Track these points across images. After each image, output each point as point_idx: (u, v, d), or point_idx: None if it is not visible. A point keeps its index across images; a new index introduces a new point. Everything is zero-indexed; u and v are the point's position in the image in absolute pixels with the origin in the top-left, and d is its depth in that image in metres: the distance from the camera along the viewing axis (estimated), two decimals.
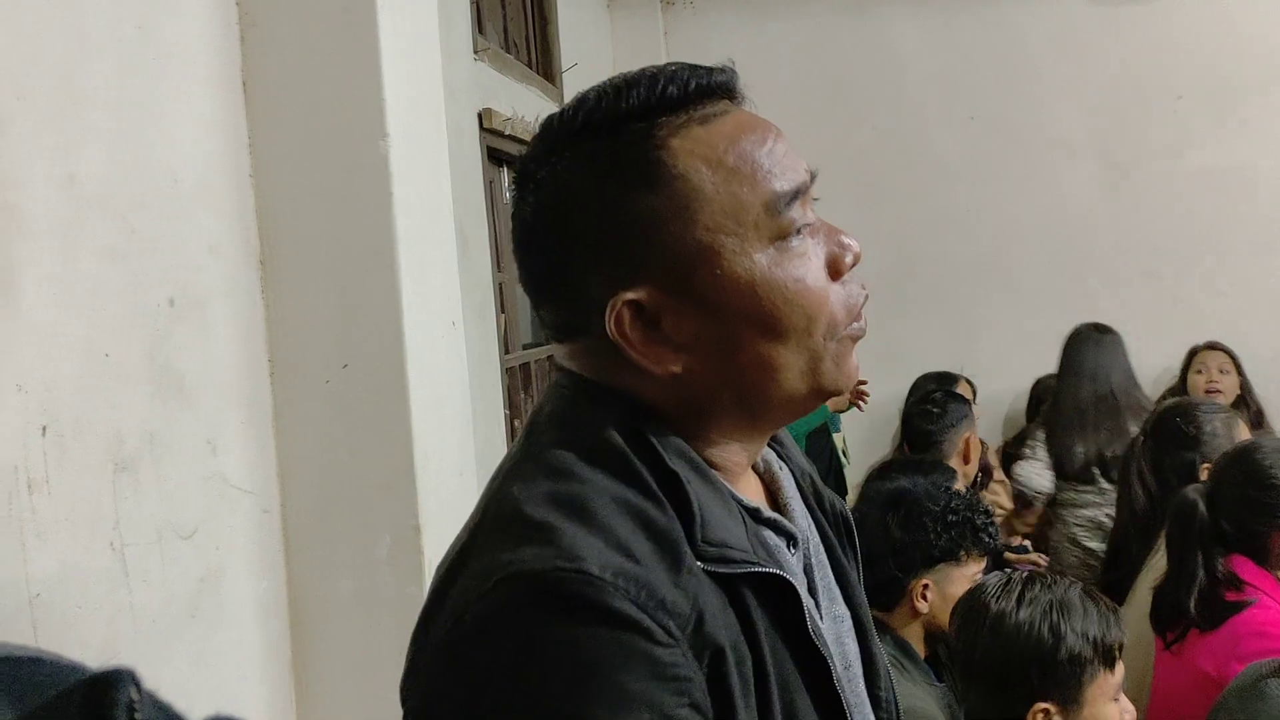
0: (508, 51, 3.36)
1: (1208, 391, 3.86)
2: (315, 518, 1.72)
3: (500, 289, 3.08)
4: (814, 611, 0.83)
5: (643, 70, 0.83)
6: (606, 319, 0.80)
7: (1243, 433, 2.58)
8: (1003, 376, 4.51)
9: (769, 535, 0.85)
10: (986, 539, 2.06)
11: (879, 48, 4.61)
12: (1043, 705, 1.53)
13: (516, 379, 3.24)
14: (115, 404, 1.37)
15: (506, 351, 3.10)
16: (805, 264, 0.81)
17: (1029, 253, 4.59)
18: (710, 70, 0.84)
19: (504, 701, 0.68)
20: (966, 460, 3.21)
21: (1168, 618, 2.13)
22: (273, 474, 1.72)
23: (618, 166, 0.80)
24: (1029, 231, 4.58)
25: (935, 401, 3.31)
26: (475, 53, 2.87)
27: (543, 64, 3.74)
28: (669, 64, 0.84)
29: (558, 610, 0.69)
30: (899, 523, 2.04)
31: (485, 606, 0.70)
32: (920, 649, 2.05)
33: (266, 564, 1.69)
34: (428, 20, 1.92)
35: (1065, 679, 1.54)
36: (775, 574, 0.78)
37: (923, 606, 2.00)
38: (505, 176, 3.32)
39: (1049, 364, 4.01)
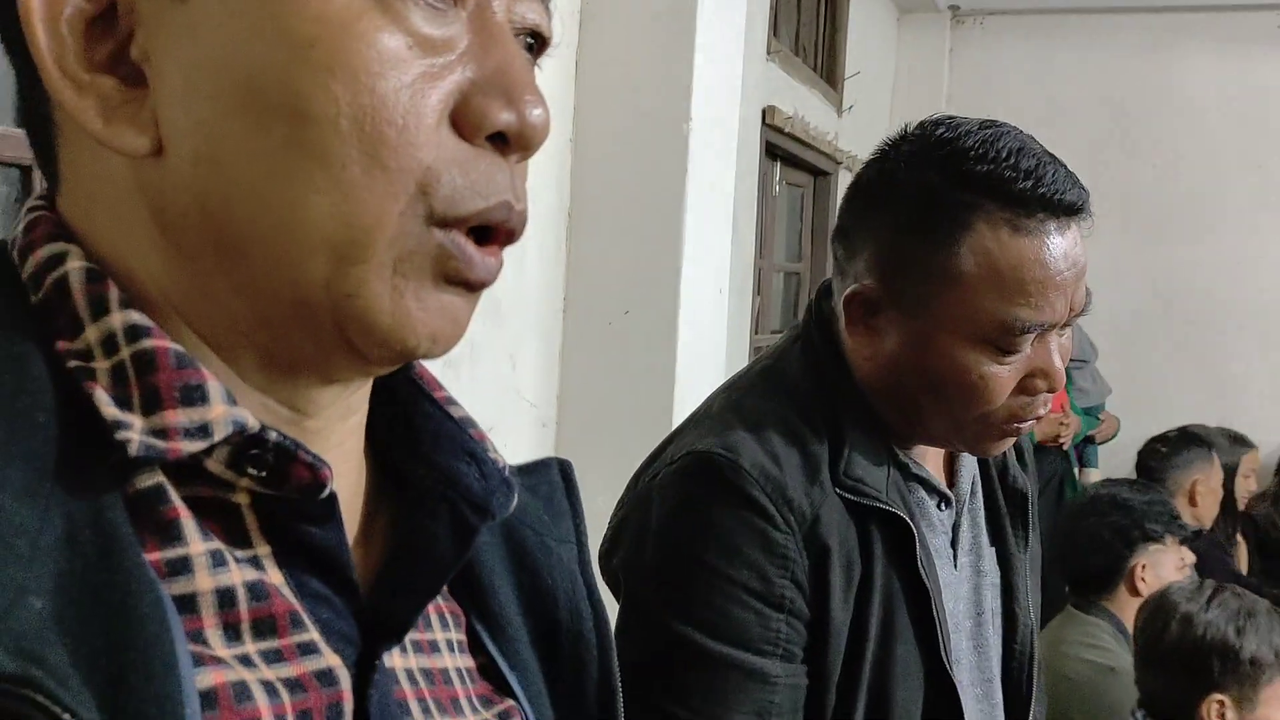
0: (796, 54, 3.60)
1: None
2: (584, 437, 2.02)
3: (759, 274, 3.32)
4: (934, 554, 1.01)
5: (1013, 148, 0.92)
6: (848, 289, 0.98)
7: None
8: (1257, 430, 4.40)
9: (918, 489, 1.03)
10: (1181, 527, 2.27)
11: (1169, 84, 4.57)
12: (1219, 696, 1.66)
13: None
14: None
15: (756, 331, 3.34)
16: (999, 370, 0.93)
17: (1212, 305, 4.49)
18: (1067, 190, 0.91)
19: (661, 532, 0.94)
20: (1193, 503, 3.23)
21: None
22: (554, 395, 2.03)
23: (933, 210, 0.93)
24: (1218, 285, 4.48)
25: (1167, 440, 3.35)
26: (768, 53, 3.12)
27: (827, 69, 3.95)
28: (1040, 160, 0.92)
29: (709, 484, 0.92)
30: (1106, 511, 2.24)
31: (669, 473, 0.96)
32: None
33: None
34: (736, 21, 2.18)
35: (1244, 677, 1.66)
36: (896, 514, 0.96)
37: (1142, 587, 2.15)
38: (778, 170, 3.56)
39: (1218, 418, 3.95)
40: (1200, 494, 3.25)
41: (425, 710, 0.50)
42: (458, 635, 0.54)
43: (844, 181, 4.06)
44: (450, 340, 0.46)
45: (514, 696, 0.55)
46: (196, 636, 0.42)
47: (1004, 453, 1.12)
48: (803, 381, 1.00)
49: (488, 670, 0.55)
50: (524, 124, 0.45)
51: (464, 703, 0.52)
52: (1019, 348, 0.93)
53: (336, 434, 0.50)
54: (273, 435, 0.44)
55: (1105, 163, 4.50)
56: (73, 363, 0.43)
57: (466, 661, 0.54)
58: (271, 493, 0.45)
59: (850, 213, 1.02)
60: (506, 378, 1.88)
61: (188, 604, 0.42)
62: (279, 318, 0.45)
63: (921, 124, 0.99)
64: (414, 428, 0.53)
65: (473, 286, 0.46)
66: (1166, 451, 3.26)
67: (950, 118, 0.98)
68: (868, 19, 4.26)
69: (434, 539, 0.50)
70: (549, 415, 2.01)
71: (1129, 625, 2.18)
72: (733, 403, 1.00)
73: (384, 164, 0.43)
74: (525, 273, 1.91)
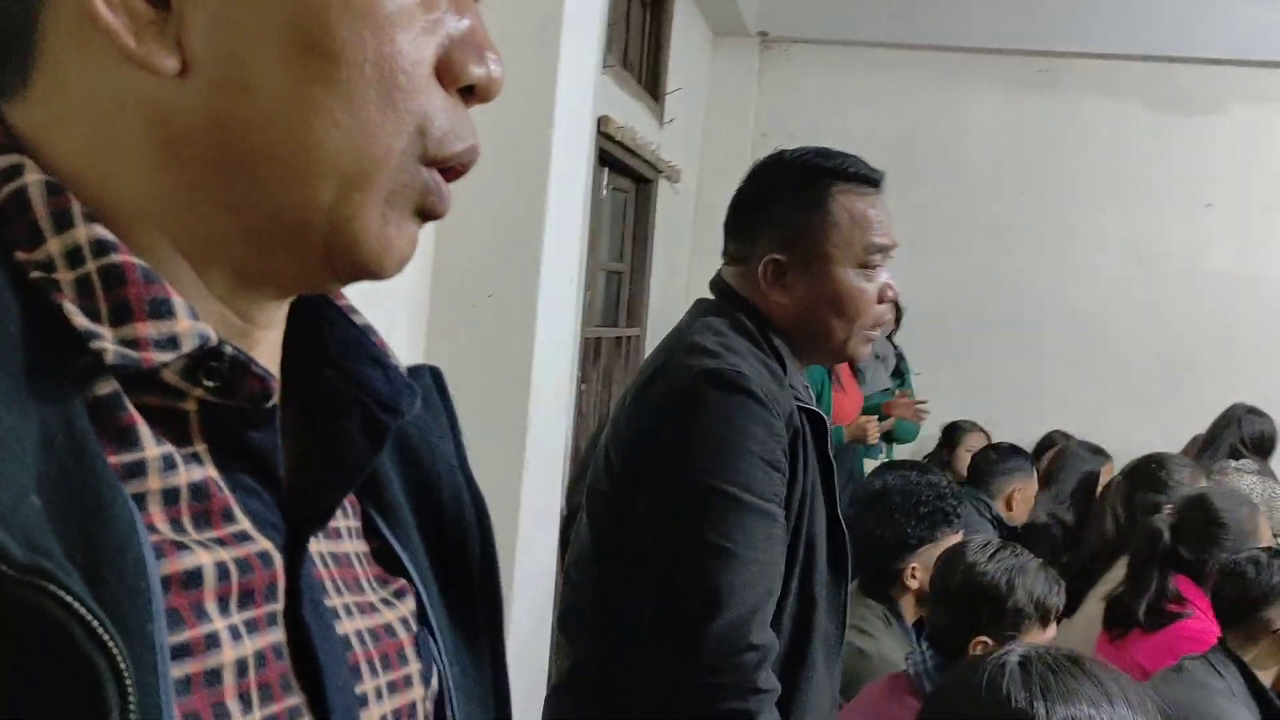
0: (626, 69, 3.86)
1: None
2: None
3: (587, 270, 3.55)
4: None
5: (840, 151, 1.52)
6: (760, 262, 1.46)
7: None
8: (1014, 428, 4.93)
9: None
10: (957, 519, 2.53)
11: (950, 115, 5.08)
12: (983, 638, 1.98)
13: (590, 350, 3.71)
14: None
15: (585, 324, 3.57)
16: (869, 285, 1.47)
17: (1054, 323, 5.03)
18: (873, 170, 1.50)
19: (698, 426, 1.33)
20: (1010, 508, 3.65)
21: (1118, 618, 2.59)
22: None
23: (806, 191, 1.47)
24: (1056, 304, 5.02)
25: (999, 448, 3.79)
26: (605, 66, 3.36)
27: (651, 84, 4.23)
28: (852, 156, 1.52)
29: (727, 387, 1.34)
30: (876, 520, 2.46)
31: (690, 384, 1.35)
32: (912, 615, 2.51)
33: None
34: (593, 37, 2.40)
35: (1006, 624, 1.99)
36: (818, 412, 1.45)
37: (913, 584, 2.46)
38: (606, 176, 3.81)
39: (1057, 421, 4.47)
40: (1016, 501, 3.67)
41: (337, 590, 0.54)
42: (355, 523, 0.58)
43: (663, 189, 4.35)
44: (406, 264, 0.52)
45: (406, 576, 0.59)
46: (150, 529, 0.45)
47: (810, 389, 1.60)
48: (747, 328, 1.44)
49: (380, 554, 0.58)
50: (491, 79, 0.52)
51: (364, 583, 0.56)
52: (877, 264, 1.46)
53: (268, 342, 0.54)
54: (229, 349, 0.48)
55: (891, 182, 4.94)
56: (35, 274, 0.45)
57: (362, 546, 0.57)
58: (220, 401, 0.49)
59: (743, 216, 1.52)
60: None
61: (139, 501, 0.45)
62: (269, 234, 0.49)
63: (778, 152, 1.55)
64: (321, 335, 0.56)
65: (435, 218, 0.52)
66: (996, 459, 3.70)
67: (797, 148, 1.54)
68: (687, 39, 4.56)
69: (349, 436, 0.54)
70: None
71: (905, 611, 2.50)
72: (709, 340, 1.40)
73: (395, 105, 0.48)
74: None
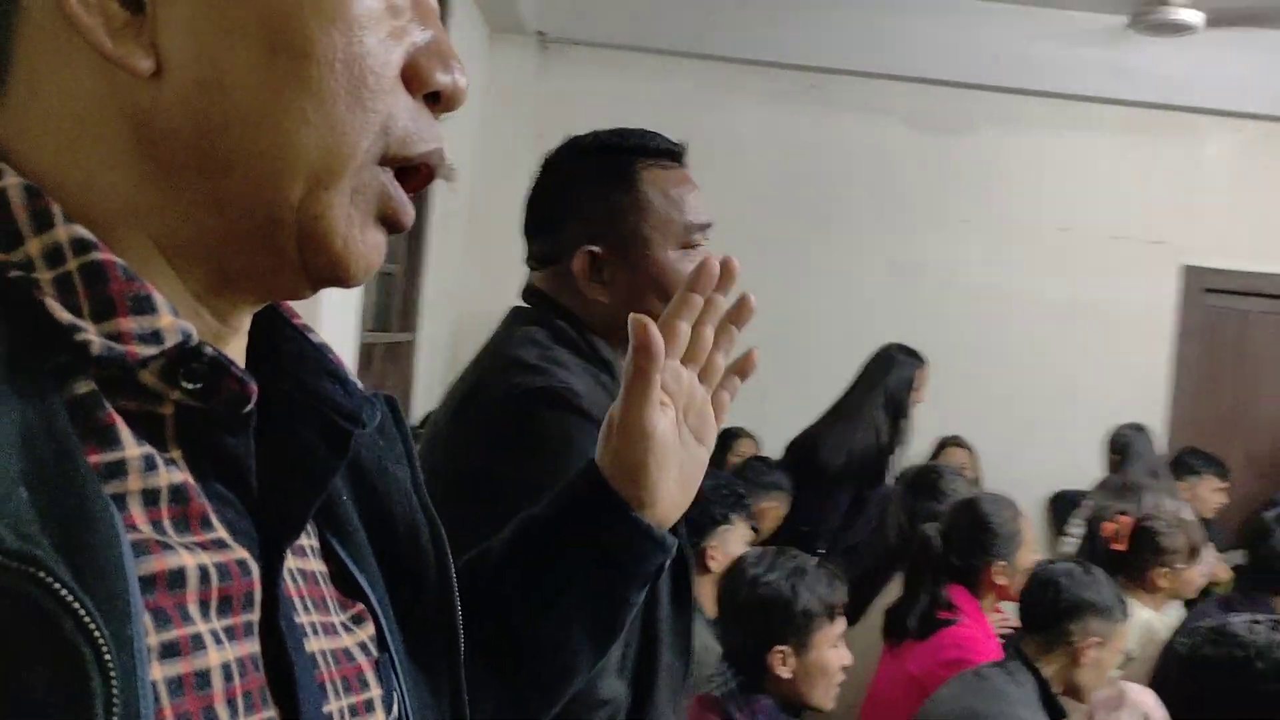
0: None
1: None
2: None
3: None
4: None
5: (639, 128, 1.38)
6: (573, 258, 1.31)
7: None
8: (784, 435, 5.04)
9: None
10: (745, 506, 2.67)
11: (724, 124, 5.14)
12: (781, 647, 1.97)
13: (363, 356, 3.50)
14: None
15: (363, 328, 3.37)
16: (692, 266, 1.30)
17: (820, 330, 5.18)
18: (675, 143, 1.38)
19: (533, 449, 1.19)
20: (757, 521, 3.67)
21: (895, 628, 2.64)
22: None
23: (611, 174, 1.33)
24: (822, 314, 5.18)
25: (767, 461, 3.84)
26: None
27: None
28: (651, 131, 1.38)
29: (560, 406, 1.21)
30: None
31: (518, 404, 1.21)
32: (711, 608, 2.49)
33: None
34: None
35: (799, 627, 1.99)
36: None
37: (713, 565, 2.45)
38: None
39: None
40: (767, 516, 3.71)
41: (305, 607, 0.54)
42: (315, 543, 0.58)
43: (438, 187, 4.18)
44: (372, 272, 0.54)
45: (363, 600, 0.59)
46: (131, 529, 0.45)
47: None
48: (570, 339, 1.32)
49: (337, 577, 0.59)
50: (456, 87, 0.54)
51: (329, 603, 0.57)
52: (699, 243, 1.36)
53: (238, 347, 0.55)
54: (209, 350, 0.48)
55: None
56: (14, 273, 0.45)
57: (323, 567, 0.58)
58: (198, 404, 0.48)
59: (542, 212, 1.38)
60: None
61: (119, 501, 0.45)
62: (246, 233, 0.50)
63: (570, 140, 1.40)
64: (276, 349, 0.57)
65: (398, 228, 0.54)
66: (762, 471, 3.75)
67: (589, 132, 1.40)
68: (462, 34, 4.41)
69: (312, 445, 0.54)
70: None
71: (703, 601, 2.49)
72: (530, 354, 1.28)
73: (364, 104, 0.50)
74: None
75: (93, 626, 0.39)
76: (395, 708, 0.58)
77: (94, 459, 0.45)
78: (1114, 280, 5.17)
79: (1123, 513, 3.76)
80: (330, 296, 2.10)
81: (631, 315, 0.75)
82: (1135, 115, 5.08)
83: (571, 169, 1.36)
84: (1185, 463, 4.58)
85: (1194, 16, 3.78)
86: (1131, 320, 5.19)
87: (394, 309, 4.06)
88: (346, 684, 0.55)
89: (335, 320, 2.11)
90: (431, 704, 0.62)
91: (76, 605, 0.39)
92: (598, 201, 1.32)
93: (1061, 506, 4.98)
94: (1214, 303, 5.25)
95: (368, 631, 0.58)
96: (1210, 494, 4.53)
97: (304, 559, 0.56)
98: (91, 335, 0.45)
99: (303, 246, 0.50)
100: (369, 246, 0.52)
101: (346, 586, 0.59)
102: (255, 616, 0.50)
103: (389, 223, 0.53)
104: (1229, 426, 5.28)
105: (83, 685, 0.39)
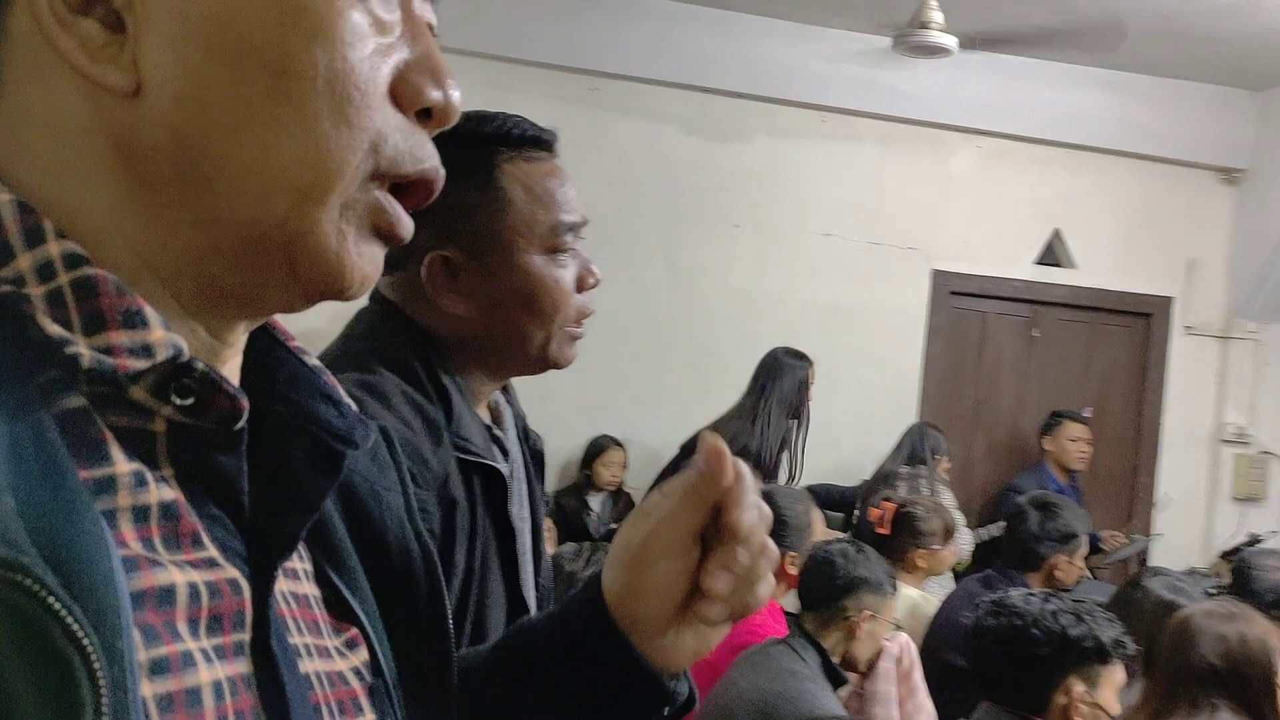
0: None
1: None
2: None
3: None
4: (510, 499, 1.22)
5: (500, 112, 1.22)
6: (422, 263, 1.14)
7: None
8: (566, 433, 5.12)
9: (493, 447, 1.23)
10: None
11: None
12: None
13: None
14: None
15: None
16: (564, 272, 1.19)
17: (601, 328, 5.28)
18: (543, 130, 1.22)
19: None
20: None
21: None
22: None
23: (466, 167, 1.12)
24: (603, 311, 5.24)
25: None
26: None
27: None
28: (516, 116, 1.22)
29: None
30: None
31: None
32: None
33: None
34: None
35: None
36: (496, 467, 1.17)
37: None
38: None
39: (605, 426, 4.72)
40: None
41: (298, 629, 0.54)
42: (308, 566, 0.57)
43: None
44: (371, 284, 0.53)
45: (357, 624, 0.58)
46: (121, 545, 0.45)
47: (520, 417, 1.36)
48: (402, 359, 1.14)
49: (329, 602, 0.58)
50: (449, 103, 0.54)
51: (323, 626, 0.56)
52: (569, 246, 1.19)
53: (233, 365, 0.54)
54: (200, 365, 0.48)
55: None
56: (5, 288, 0.45)
57: (315, 590, 0.57)
58: (190, 421, 0.48)
59: None
60: None
61: (109, 517, 0.45)
62: (232, 248, 0.50)
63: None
64: (270, 371, 0.56)
65: (394, 241, 0.53)
66: None
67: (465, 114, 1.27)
68: None
69: (303, 466, 0.54)
70: None
71: None
72: (349, 380, 1.08)
73: (349, 121, 0.49)
74: None
75: (82, 635, 0.39)
76: None
77: (84, 474, 0.44)
78: (872, 283, 5.53)
79: (886, 499, 4.05)
80: None
81: (706, 435, 0.66)
82: (892, 129, 5.46)
83: None
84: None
85: (950, 40, 4.12)
86: (888, 320, 5.57)
87: None
88: (342, 708, 0.54)
89: None
90: None
91: (65, 614, 0.38)
92: (450, 198, 1.17)
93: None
94: (958, 305, 5.71)
95: (361, 657, 0.58)
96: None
97: (296, 581, 0.55)
98: (82, 349, 0.45)
99: (293, 261, 0.50)
100: (364, 259, 0.52)
101: (339, 611, 0.58)
102: (246, 636, 0.49)
103: (384, 235, 0.53)
104: (971, 418, 5.74)
105: (72, 695, 0.38)
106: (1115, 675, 2.05)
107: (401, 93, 0.52)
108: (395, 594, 0.61)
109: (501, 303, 1.17)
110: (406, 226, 0.53)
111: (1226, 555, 4.73)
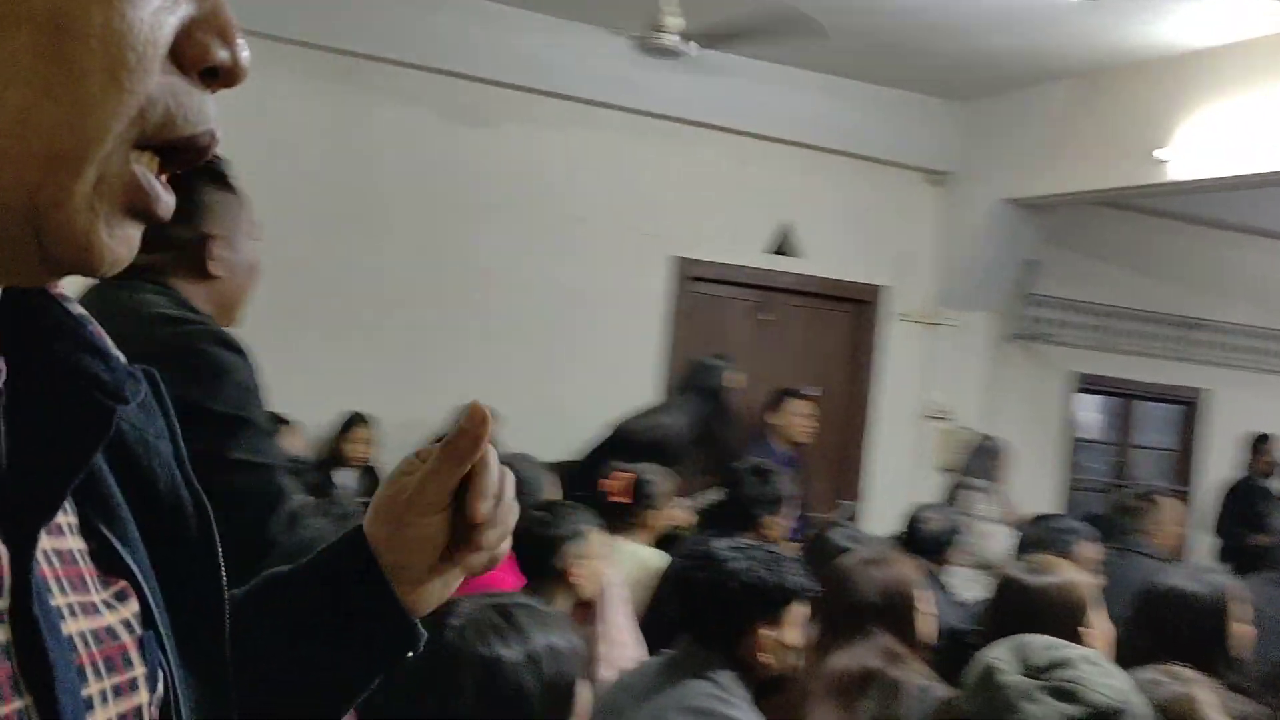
0: None
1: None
2: None
3: None
4: None
5: None
6: (206, 243, 1.61)
7: None
8: (312, 409, 5.14)
9: None
10: None
11: (261, 103, 5.06)
12: None
13: None
14: None
15: None
16: (256, 255, 1.71)
17: (352, 309, 5.35)
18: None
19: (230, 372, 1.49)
20: None
21: None
22: None
23: (216, 174, 1.67)
24: (355, 292, 5.34)
25: None
26: None
27: None
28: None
29: (229, 344, 1.51)
30: None
31: (200, 345, 1.47)
32: None
33: None
34: None
35: None
36: None
37: None
38: None
39: (353, 404, 4.91)
40: None
41: (61, 589, 0.51)
42: (74, 519, 0.55)
43: None
44: (123, 264, 0.50)
45: (128, 576, 0.56)
46: None
47: None
48: (179, 294, 1.58)
49: (98, 554, 0.55)
50: (237, 63, 0.51)
51: (89, 581, 0.54)
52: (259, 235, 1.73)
53: None
54: None
55: (283, 171, 4.89)
56: None
57: (80, 544, 0.55)
58: None
59: None
60: None
61: None
62: None
63: None
64: (33, 323, 0.53)
65: (152, 219, 0.50)
66: None
67: None
68: None
69: (70, 422, 0.51)
70: None
71: None
72: (167, 309, 1.52)
73: (120, 84, 0.46)
74: None
75: None
76: (160, 685, 0.57)
77: None
78: (618, 268, 5.82)
79: (619, 470, 4.35)
80: None
81: (474, 403, 0.73)
82: (639, 122, 5.75)
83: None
84: None
85: (684, 44, 4.37)
86: (632, 303, 5.88)
87: None
88: (109, 664, 0.53)
89: None
90: (198, 683, 0.61)
91: None
92: (200, 190, 1.64)
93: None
94: (697, 289, 6.09)
95: (131, 609, 0.56)
96: None
97: (60, 537, 0.53)
98: None
99: (40, 234, 0.46)
100: (117, 240, 0.49)
101: (108, 563, 0.55)
102: (5, 603, 0.47)
103: (141, 213, 0.50)
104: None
105: None
106: (798, 613, 2.37)
107: (185, 51, 0.49)
108: (167, 543, 0.59)
109: (239, 273, 1.69)
110: (166, 205, 0.50)
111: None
